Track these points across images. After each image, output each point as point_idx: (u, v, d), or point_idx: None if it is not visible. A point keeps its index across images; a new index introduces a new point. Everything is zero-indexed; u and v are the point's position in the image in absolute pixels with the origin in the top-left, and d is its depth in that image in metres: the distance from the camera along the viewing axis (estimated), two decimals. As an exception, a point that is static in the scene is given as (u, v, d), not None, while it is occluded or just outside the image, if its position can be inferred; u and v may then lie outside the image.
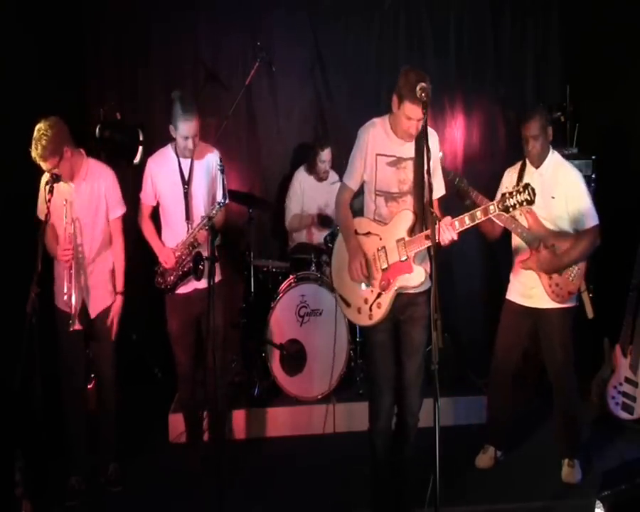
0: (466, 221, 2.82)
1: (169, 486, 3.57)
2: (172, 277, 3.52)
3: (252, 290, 4.50)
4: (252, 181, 5.17)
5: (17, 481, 3.00)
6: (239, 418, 4.20)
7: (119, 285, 3.51)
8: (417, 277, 2.94)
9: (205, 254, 3.40)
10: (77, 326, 3.30)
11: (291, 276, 4.53)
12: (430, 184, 2.65)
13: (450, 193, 3.26)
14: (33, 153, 3.14)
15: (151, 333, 4.66)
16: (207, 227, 3.36)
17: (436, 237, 2.71)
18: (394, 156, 2.95)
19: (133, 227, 3.64)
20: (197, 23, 5.06)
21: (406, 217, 2.94)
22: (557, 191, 3.42)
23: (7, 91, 3.70)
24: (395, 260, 2.95)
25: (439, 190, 3.08)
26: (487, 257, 5.16)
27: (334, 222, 4.79)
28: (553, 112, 4.83)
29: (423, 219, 2.89)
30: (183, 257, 3.49)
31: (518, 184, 3.40)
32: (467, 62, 5.27)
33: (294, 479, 3.68)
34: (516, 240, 3.59)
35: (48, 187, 3.12)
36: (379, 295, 2.97)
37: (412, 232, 2.93)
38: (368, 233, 3.02)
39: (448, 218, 2.83)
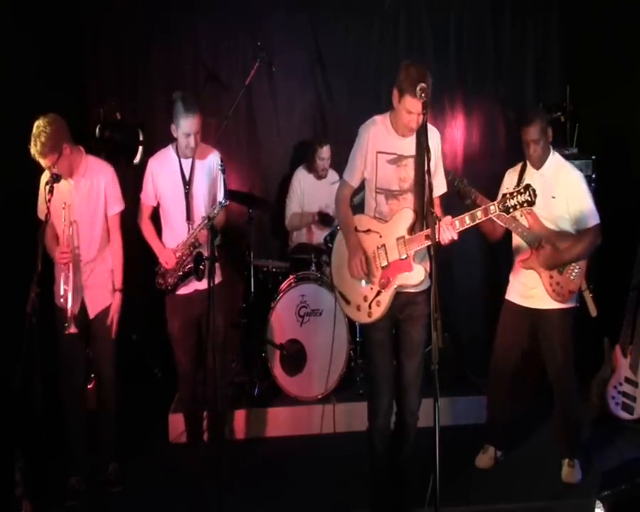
0: (466, 221, 2.81)
1: (169, 486, 3.57)
2: (173, 278, 3.52)
3: (252, 290, 4.50)
4: (252, 181, 5.17)
5: (17, 481, 3.00)
6: (239, 418, 4.20)
7: (118, 282, 3.50)
8: (416, 276, 2.94)
9: (205, 254, 3.40)
10: (73, 330, 3.29)
11: (291, 276, 4.53)
12: (430, 184, 2.65)
13: (450, 192, 3.26)
14: (32, 150, 3.14)
15: (151, 333, 4.66)
16: (207, 228, 3.36)
17: (436, 237, 2.72)
18: (395, 154, 2.95)
19: (133, 227, 3.63)
20: (197, 24, 5.06)
21: (406, 216, 2.94)
22: (558, 191, 3.42)
23: (7, 91, 3.70)
24: (394, 258, 2.95)
25: (440, 187, 3.08)
26: (487, 255, 5.17)
27: (335, 221, 4.80)
28: (553, 112, 4.83)
29: (424, 217, 2.89)
30: (184, 258, 3.49)
31: (518, 185, 3.40)
32: (467, 62, 5.27)
33: (293, 479, 3.68)
34: (517, 240, 3.59)
35: (47, 187, 3.13)
36: (378, 293, 2.97)
37: (412, 230, 2.92)
38: (368, 230, 3.02)
39: (448, 218, 2.83)
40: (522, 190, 2.73)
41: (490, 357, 3.73)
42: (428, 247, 2.84)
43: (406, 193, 2.97)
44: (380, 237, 2.99)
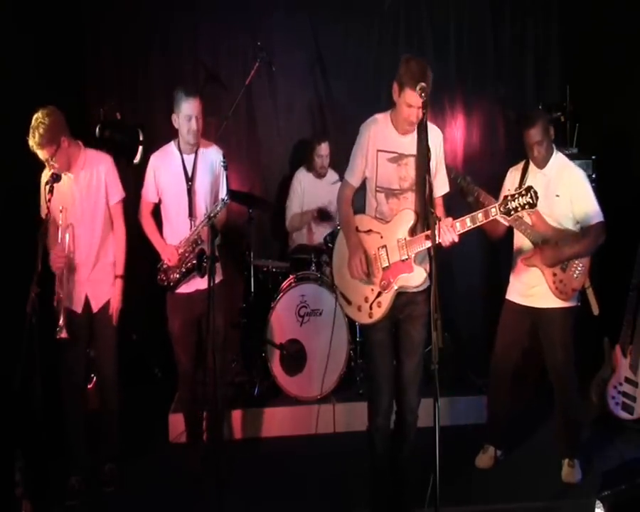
0: (467, 223, 2.81)
1: (169, 486, 3.57)
2: (175, 274, 3.52)
3: (252, 290, 4.51)
4: (252, 181, 5.17)
5: (17, 481, 3.00)
6: (239, 418, 4.20)
7: (119, 269, 3.50)
8: (417, 277, 2.94)
9: (208, 252, 3.40)
10: (64, 335, 3.27)
11: (291, 276, 4.53)
12: (430, 184, 2.65)
13: (453, 192, 3.26)
14: (30, 142, 3.15)
15: (151, 332, 4.67)
16: (208, 226, 3.35)
17: (437, 238, 2.72)
18: (395, 153, 2.95)
19: (134, 225, 3.63)
20: (197, 24, 5.06)
21: (407, 217, 2.94)
22: (562, 190, 3.42)
23: (7, 91, 3.70)
24: (395, 259, 2.95)
25: (442, 187, 3.08)
26: (487, 254, 5.17)
27: (334, 218, 4.80)
28: (553, 112, 4.83)
29: (425, 218, 2.89)
30: (187, 254, 3.49)
31: (520, 186, 3.40)
32: (467, 62, 5.27)
33: (293, 479, 3.68)
34: (518, 239, 3.60)
35: (47, 187, 3.13)
36: (379, 294, 2.97)
37: (413, 231, 2.92)
38: (370, 231, 3.02)
39: (449, 219, 2.83)
40: (523, 192, 2.73)
41: (490, 356, 3.73)
42: (428, 248, 2.84)
43: (406, 192, 2.97)
44: (381, 237, 2.98)
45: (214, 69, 4.99)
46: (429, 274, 2.93)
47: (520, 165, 3.62)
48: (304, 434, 4.20)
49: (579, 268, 3.44)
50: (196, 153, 3.51)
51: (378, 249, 2.99)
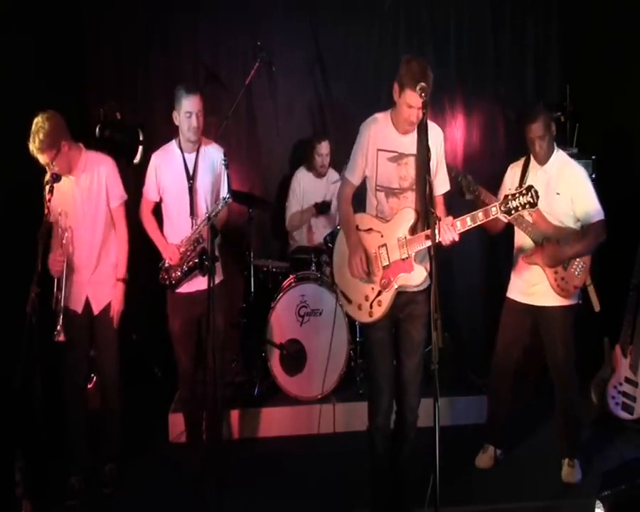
0: (467, 222, 2.81)
1: (169, 486, 3.57)
2: (177, 273, 3.52)
3: (252, 290, 4.51)
4: (252, 181, 5.17)
5: (17, 481, 3.00)
6: (239, 418, 4.20)
7: (121, 272, 3.50)
8: (417, 276, 2.94)
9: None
10: (62, 338, 3.28)
11: (291, 276, 4.53)
12: (430, 184, 2.65)
13: (454, 191, 3.26)
14: (31, 146, 3.16)
15: (152, 332, 4.66)
16: (209, 225, 3.35)
17: (437, 237, 2.72)
18: (395, 152, 2.95)
19: (134, 225, 3.63)
20: (197, 24, 5.06)
21: (407, 216, 2.94)
22: (563, 188, 3.42)
23: (6, 91, 3.70)
24: (396, 258, 2.95)
25: (443, 186, 3.08)
26: (487, 252, 5.17)
27: (333, 213, 4.79)
28: (553, 111, 4.82)
29: (425, 217, 2.88)
30: (188, 253, 3.49)
31: (521, 184, 3.40)
32: (467, 62, 5.27)
33: (293, 479, 3.68)
34: (519, 238, 3.60)
35: (47, 187, 3.13)
36: (379, 293, 2.97)
37: (413, 230, 2.92)
38: (370, 230, 3.02)
39: (449, 218, 2.83)
40: (524, 192, 2.73)
41: (490, 355, 3.73)
42: (428, 247, 2.84)
43: (406, 192, 2.97)
44: (382, 236, 2.98)
45: (214, 69, 4.98)
46: (430, 274, 2.93)
47: (521, 161, 3.62)
48: (303, 434, 4.20)
49: (580, 266, 3.44)
50: (197, 151, 3.51)
51: (379, 247, 2.99)
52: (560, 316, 3.50)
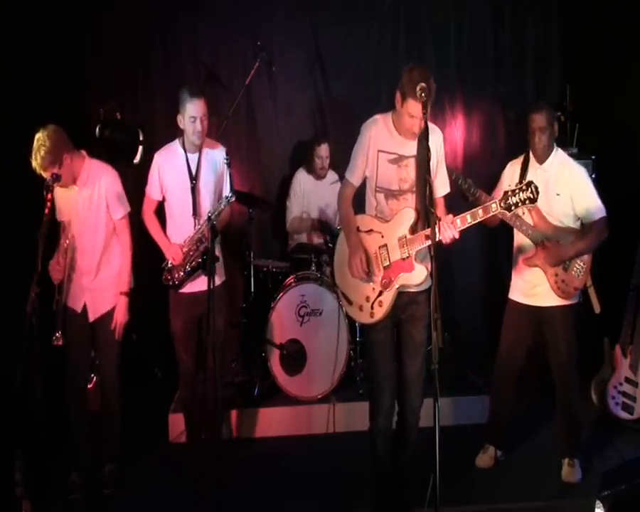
0: (467, 219, 2.81)
1: (169, 486, 3.57)
2: (180, 273, 3.52)
3: (252, 290, 4.51)
4: (252, 181, 5.17)
5: (17, 481, 3.01)
6: (239, 418, 4.20)
7: (124, 286, 3.49)
8: (418, 276, 2.94)
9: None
10: (60, 343, 3.30)
11: (291, 276, 4.53)
12: (430, 184, 2.65)
13: (454, 192, 3.26)
14: (33, 163, 3.18)
15: (152, 332, 4.66)
16: (210, 225, 3.35)
17: (438, 236, 2.71)
18: (396, 154, 2.95)
19: (134, 226, 3.62)
20: (197, 24, 5.05)
21: (408, 215, 2.94)
22: (562, 188, 3.42)
23: (6, 91, 3.70)
24: (396, 258, 2.95)
25: (443, 187, 3.08)
26: (487, 251, 5.17)
27: (333, 225, 4.80)
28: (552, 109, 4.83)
29: (425, 216, 2.88)
30: (191, 253, 3.49)
31: (520, 181, 3.40)
32: (467, 62, 5.27)
33: (293, 479, 3.68)
34: (519, 239, 3.59)
35: (47, 187, 3.13)
36: (380, 293, 2.97)
37: (414, 230, 2.92)
38: (370, 231, 3.02)
39: (449, 216, 2.83)
40: (524, 188, 2.72)
41: (490, 355, 3.74)
42: (429, 246, 2.84)
43: (406, 194, 2.97)
44: (382, 237, 2.99)
45: (214, 69, 4.99)
46: (430, 273, 2.93)
47: (520, 159, 3.61)
48: (303, 434, 4.20)
49: (580, 267, 3.44)
50: (200, 151, 3.51)
51: (379, 248, 2.99)
52: (562, 315, 3.50)
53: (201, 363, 3.51)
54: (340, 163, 4.61)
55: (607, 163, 4.68)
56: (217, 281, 3.49)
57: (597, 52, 4.94)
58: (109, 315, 3.47)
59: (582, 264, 3.44)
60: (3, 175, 3.62)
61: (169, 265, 3.55)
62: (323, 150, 4.78)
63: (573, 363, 3.54)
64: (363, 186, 3.10)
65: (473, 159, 5.24)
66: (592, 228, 3.39)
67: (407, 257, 2.93)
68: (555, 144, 3.51)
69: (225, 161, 3.33)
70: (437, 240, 2.69)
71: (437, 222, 2.74)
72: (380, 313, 2.97)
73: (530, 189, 2.70)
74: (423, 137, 2.75)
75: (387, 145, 2.96)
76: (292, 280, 4.47)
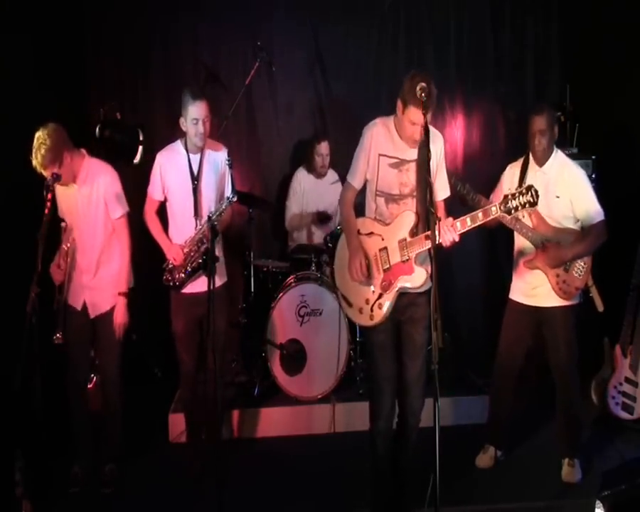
0: (467, 222, 2.82)
1: (169, 486, 3.57)
2: (181, 274, 3.52)
3: (252, 290, 4.51)
4: (252, 181, 5.17)
5: (17, 481, 3.01)
6: (239, 418, 4.20)
7: (122, 286, 3.49)
8: (418, 278, 2.94)
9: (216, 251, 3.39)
10: (60, 341, 3.31)
11: (291, 276, 4.53)
12: (431, 185, 2.65)
13: (453, 196, 3.26)
14: (34, 162, 3.18)
15: (152, 332, 4.66)
16: (210, 226, 3.35)
17: (437, 238, 2.71)
18: (397, 158, 2.95)
19: (135, 226, 3.62)
20: (197, 24, 5.05)
21: (408, 218, 2.94)
22: (562, 191, 3.42)
23: (6, 91, 3.70)
24: (396, 261, 2.95)
25: (443, 191, 3.08)
26: (487, 251, 5.17)
27: (333, 219, 4.80)
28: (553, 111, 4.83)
29: (426, 220, 2.88)
30: (192, 254, 3.48)
31: (520, 184, 3.41)
32: (467, 62, 5.26)
33: (293, 479, 3.68)
34: (519, 241, 3.59)
35: (46, 186, 3.13)
36: (380, 295, 2.97)
37: (414, 232, 2.93)
38: (371, 233, 3.02)
39: (449, 219, 2.83)
40: (524, 191, 2.72)
41: (490, 355, 3.73)
42: (429, 248, 2.84)
43: (406, 198, 2.98)
44: (382, 239, 2.99)
45: (214, 69, 4.98)
46: (430, 275, 2.93)
47: (520, 161, 3.61)
48: (303, 434, 4.20)
49: (581, 267, 3.44)
50: (202, 152, 3.51)
51: (379, 250, 2.99)
52: (563, 316, 3.50)
53: (202, 364, 3.50)
54: (340, 162, 4.62)
55: (607, 163, 4.68)
56: (219, 282, 3.49)
57: (597, 52, 4.94)
58: (109, 314, 3.47)
59: (582, 264, 3.44)
60: (3, 175, 3.63)
61: (170, 266, 3.55)
62: (324, 148, 4.78)
63: (573, 364, 3.54)
64: (362, 190, 3.10)
65: (473, 159, 5.24)
66: (590, 232, 3.39)
67: (407, 260, 2.93)
68: (555, 146, 3.51)
69: (227, 162, 3.33)
70: (437, 242, 2.69)
71: (437, 222, 2.74)
72: (379, 315, 2.97)
73: (530, 193, 2.70)
74: (424, 137, 2.74)
75: (388, 149, 2.95)
76: (292, 280, 4.47)
